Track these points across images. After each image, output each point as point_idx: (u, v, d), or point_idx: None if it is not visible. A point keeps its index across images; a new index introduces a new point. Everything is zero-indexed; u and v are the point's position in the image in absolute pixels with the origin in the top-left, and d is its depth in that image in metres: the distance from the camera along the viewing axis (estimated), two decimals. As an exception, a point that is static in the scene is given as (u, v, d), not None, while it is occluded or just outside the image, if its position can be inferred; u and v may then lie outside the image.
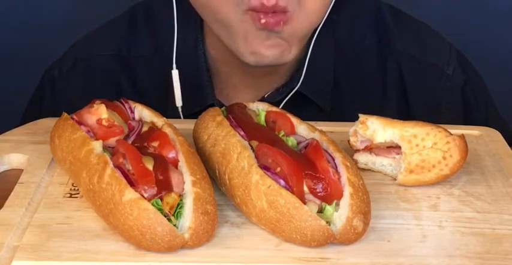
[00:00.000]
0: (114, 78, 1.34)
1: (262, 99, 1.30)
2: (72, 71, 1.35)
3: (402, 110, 1.33)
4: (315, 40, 1.27)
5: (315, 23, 1.20)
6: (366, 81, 1.33)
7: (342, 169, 0.92)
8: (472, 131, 1.18)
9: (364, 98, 1.33)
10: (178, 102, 1.27)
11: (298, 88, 1.27)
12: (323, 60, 1.30)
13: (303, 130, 1.01)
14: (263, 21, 1.11)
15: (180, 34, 1.28)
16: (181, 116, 1.28)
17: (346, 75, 1.32)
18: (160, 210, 0.86)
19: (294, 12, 1.13)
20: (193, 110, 1.28)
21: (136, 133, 0.98)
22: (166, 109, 1.27)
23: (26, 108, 1.43)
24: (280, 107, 1.27)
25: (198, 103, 1.29)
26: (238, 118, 1.02)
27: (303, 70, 1.27)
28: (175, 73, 1.25)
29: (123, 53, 1.34)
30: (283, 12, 1.12)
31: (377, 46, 1.33)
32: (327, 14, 1.25)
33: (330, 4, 1.22)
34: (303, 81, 1.27)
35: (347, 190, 0.89)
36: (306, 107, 1.30)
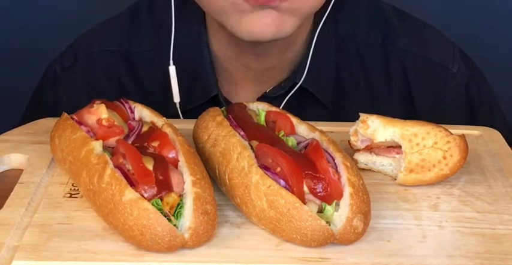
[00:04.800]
0: (115, 74, 1.34)
1: (264, 94, 1.30)
2: (74, 66, 1.35)
3: (407, 108, 1.33)
4: (317, 37, 1.27)
5: (314, 5, 1.18)
6: (370, 79, 1.33)
7: (342, 169, 0.92)
8: (472, 131, 1.18)
9: (368, 96, 1.33)
10: (176, 98, 1.27)
11: (301, 83, 1.27)
12: (325, 57, 1.30)
13: (303, 130, 1.01)
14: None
15: (181, 29, 1.28)
16: (179, 112, 1.28)
17: (349, 73, 1.32)
18: (160, 210, 0.86)
19: None
20: (196, 102, 1.28)
21: (136, 133, 0.98)
22: (168, 104, 1.28)
23: (28, 104, 1.43)
24: (283, 103, 1.28)
25: (201, 95, 1.29)
26: (238, 118, 1.02)
27: (305, 65, 1.27)
28: (172, 69, 1.26)
29: (125, 48, 1.34)
30: None
31: (381, 44, 1.33)
32: (328, 12, 1.26)
33: None
34: (305, 75, 1.27)
35: (347, 190, 0.89)
36: (309, 103, 1.30)
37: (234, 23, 1.15)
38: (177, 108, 1.27)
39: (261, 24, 1.13)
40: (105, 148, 0.95)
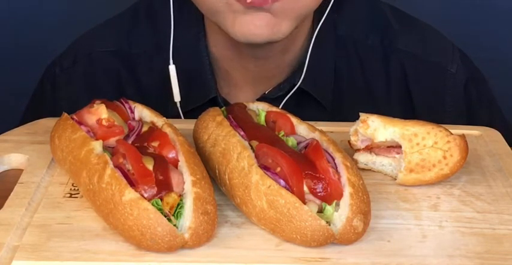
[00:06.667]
0: (115, 75, 1.34)
1: (263, 96, 1.30)
2: (73, 67, 1.35)
3: (406, 108, 1.33)
4: (316, 38, 1.27)
5: (308, 6, 1.18)
6: (369, 80, 1.33)
7: (342, 169, 0.92)
8: (472, 131, 1.18)
9: (368, 96, 1.33)
10: (176, 97, 1.27)
11: (300, 84, 1.27)
12: (324, 58, 1.30)
13: (303, 130, 1.01)
14: (249, 0, 1.11)
15: (180, 30, 1.28)
16: (180, 111, 1.28)
17: (348, 74, 1.32)
18: (160, 210, 0.86)
19: None
20: (195, 104, 1.28)
21: (136, 133, 0.98)
22: (168, 105, 1.28)
23: (28, 104, 1.43)
24: (282, 103, 1.28)
25: (200, 97, 1.29)
26: (238, 118, 1.02)
27: (304, 66, 1.27)
28: (172, 68, 1.26)
29: (124, 49, 1.34)
30: None
31: (380, 45, 1.33)
32: (326, 13, 1.26)
33: None
34: (304, 77, 1.27)
35: (347, 190, 0.89)
36: (308, 104, 1.30)
37: (228, 24, 1.15)
38: (177, 108, 1.28)
39: (255, 27, 1.13)
40: (105, 148, 0.95)
